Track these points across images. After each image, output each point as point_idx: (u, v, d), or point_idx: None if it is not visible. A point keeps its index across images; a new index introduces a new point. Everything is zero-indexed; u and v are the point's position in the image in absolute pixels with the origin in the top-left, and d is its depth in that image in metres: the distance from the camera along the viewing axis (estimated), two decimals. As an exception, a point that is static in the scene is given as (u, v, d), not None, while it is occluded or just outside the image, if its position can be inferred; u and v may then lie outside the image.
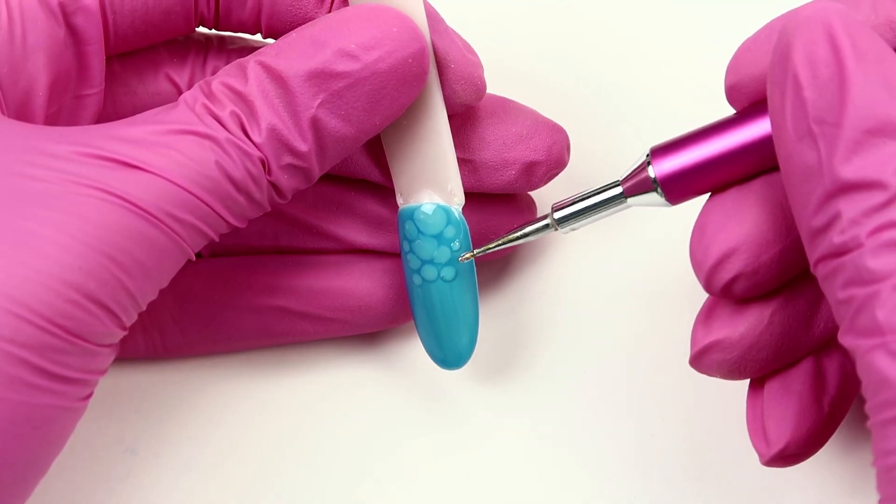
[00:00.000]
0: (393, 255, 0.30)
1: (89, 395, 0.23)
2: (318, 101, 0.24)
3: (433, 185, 0.27)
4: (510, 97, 0.30)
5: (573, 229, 0.26)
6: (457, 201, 0.28)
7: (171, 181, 0.23)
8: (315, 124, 0.24)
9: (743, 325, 0.23)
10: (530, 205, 0.31)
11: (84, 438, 0.30)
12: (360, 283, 0.29)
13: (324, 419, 0.30)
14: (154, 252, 0.23)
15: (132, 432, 0.30)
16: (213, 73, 0.28)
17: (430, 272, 0.28)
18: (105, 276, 0.22)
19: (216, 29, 0.27)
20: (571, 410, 0.30)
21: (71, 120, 0.26)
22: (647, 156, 0.24)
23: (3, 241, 0.21)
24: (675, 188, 0.24)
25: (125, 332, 0.23)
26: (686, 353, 0.31)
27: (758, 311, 0.23)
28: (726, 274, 0.22)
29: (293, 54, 0.24)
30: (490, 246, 0.27)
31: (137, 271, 0.23)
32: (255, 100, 0.24)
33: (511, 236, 0.27)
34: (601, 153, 0.34)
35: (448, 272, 0.28)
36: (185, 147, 0.23)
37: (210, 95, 0.24)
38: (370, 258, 0.30)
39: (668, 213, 0.32)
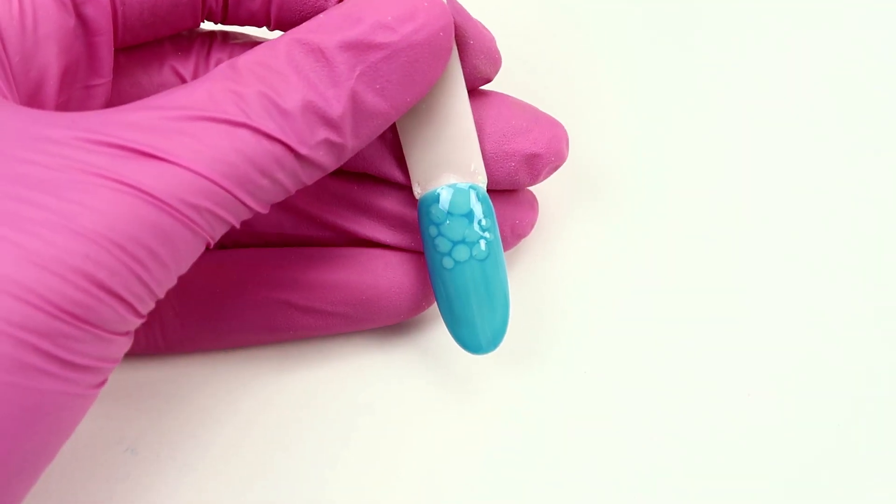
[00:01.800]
0: (397, 249, 0.30)
1: (103, 382, 0.23)
2: (357, 72, 0.24)
3: (456, 166, 0.28)
4: (509, 94, 0.30)
5: None
6: (481, 179, 0.28)
7: (188, 169, 0.22)
8: (353, 98, 0.24)
9: None
10: (531, 201, 0.31)
11: (84, 438, 0.29)
12: (363, 276, 0.29)
13: (327, 417, 0.30)
14: (170, 242, 0.22)
15: (133, 431, 0.30)
16: (217, 65, 0.28)
17: (461, 253, 0.28)
18: (115, 266, 0.21)
19: (223, 23, 0.27)
20: (570, 410, 0.30)
21: (80, 110, 0.26)
22: None
23: (6, 226, 0.21)
24: None
25: (142, 320, 0.23)
26: (688, 352, 0.31)
27: None
28: None
29: (329, 28, 0.24)
30: None
31: (151, 261, 0.22)
32: (289, 74, 0.24)
33: None
34: (599, 152, 0.34)
35: (480, 251, 0.28)
36: (204, 132, 0.22)
37: (236, 74, 0.24)
38: (374, 252, 0.30)
39: (669, 212, 0.33)
